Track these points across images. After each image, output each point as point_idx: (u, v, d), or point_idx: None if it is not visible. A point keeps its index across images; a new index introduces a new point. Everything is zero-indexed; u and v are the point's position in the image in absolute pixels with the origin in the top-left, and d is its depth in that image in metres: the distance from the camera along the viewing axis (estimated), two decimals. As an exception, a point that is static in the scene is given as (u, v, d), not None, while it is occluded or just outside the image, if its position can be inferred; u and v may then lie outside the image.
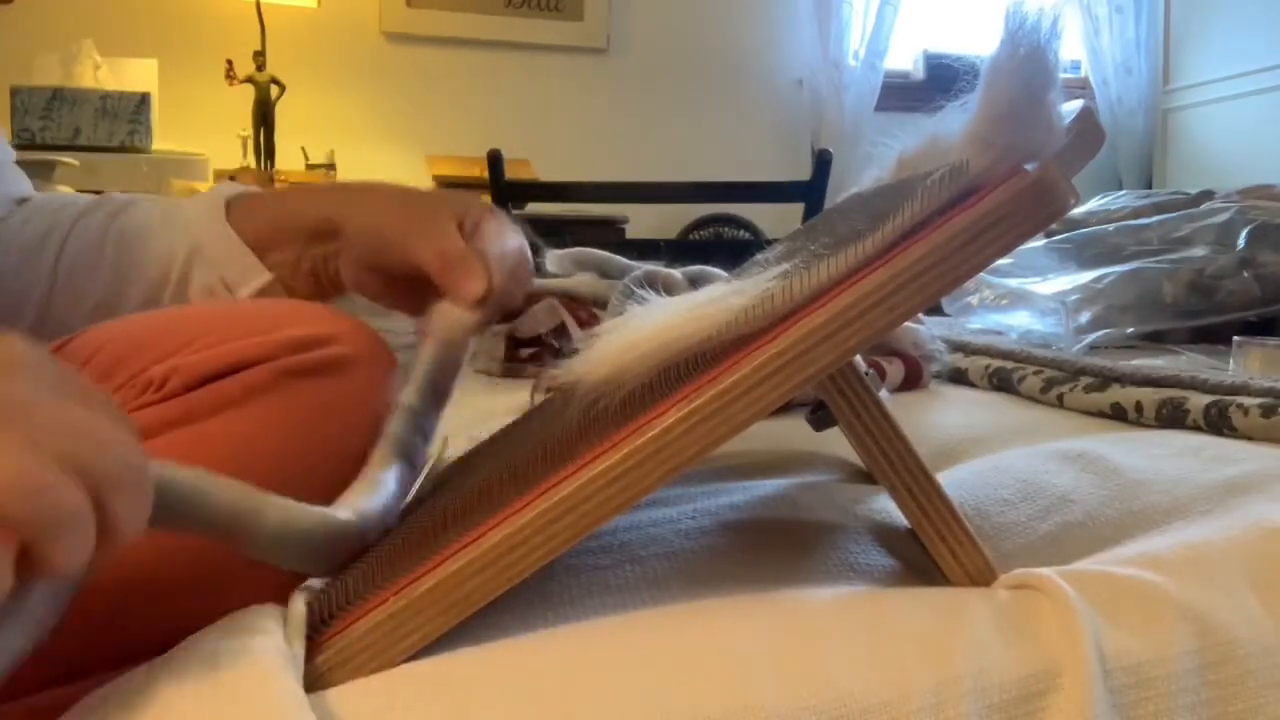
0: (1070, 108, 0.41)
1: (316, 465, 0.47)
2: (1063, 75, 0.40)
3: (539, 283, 1.14)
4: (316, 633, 0.39)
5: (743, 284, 0.43)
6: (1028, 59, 0.39)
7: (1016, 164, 0.39)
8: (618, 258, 1.17)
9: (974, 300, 1.35)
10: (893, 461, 0.45)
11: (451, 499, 0.47)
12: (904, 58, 3.45)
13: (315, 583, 0.43)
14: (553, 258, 1.17)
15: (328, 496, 0.48)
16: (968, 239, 0.38)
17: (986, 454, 0.69)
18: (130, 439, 0.32)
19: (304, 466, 0.47)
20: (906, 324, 0.96)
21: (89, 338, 0.53)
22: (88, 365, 0.51)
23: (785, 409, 0.77)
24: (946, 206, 0.39)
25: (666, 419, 0.39)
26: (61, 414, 0.31)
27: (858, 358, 0.85)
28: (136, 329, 0.52)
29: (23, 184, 0.70)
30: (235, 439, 0.46)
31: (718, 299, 0.42)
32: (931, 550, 0.45)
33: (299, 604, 0.40)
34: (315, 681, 0.38)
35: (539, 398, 0.85)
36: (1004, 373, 0.96)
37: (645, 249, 1.54)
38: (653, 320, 0.43)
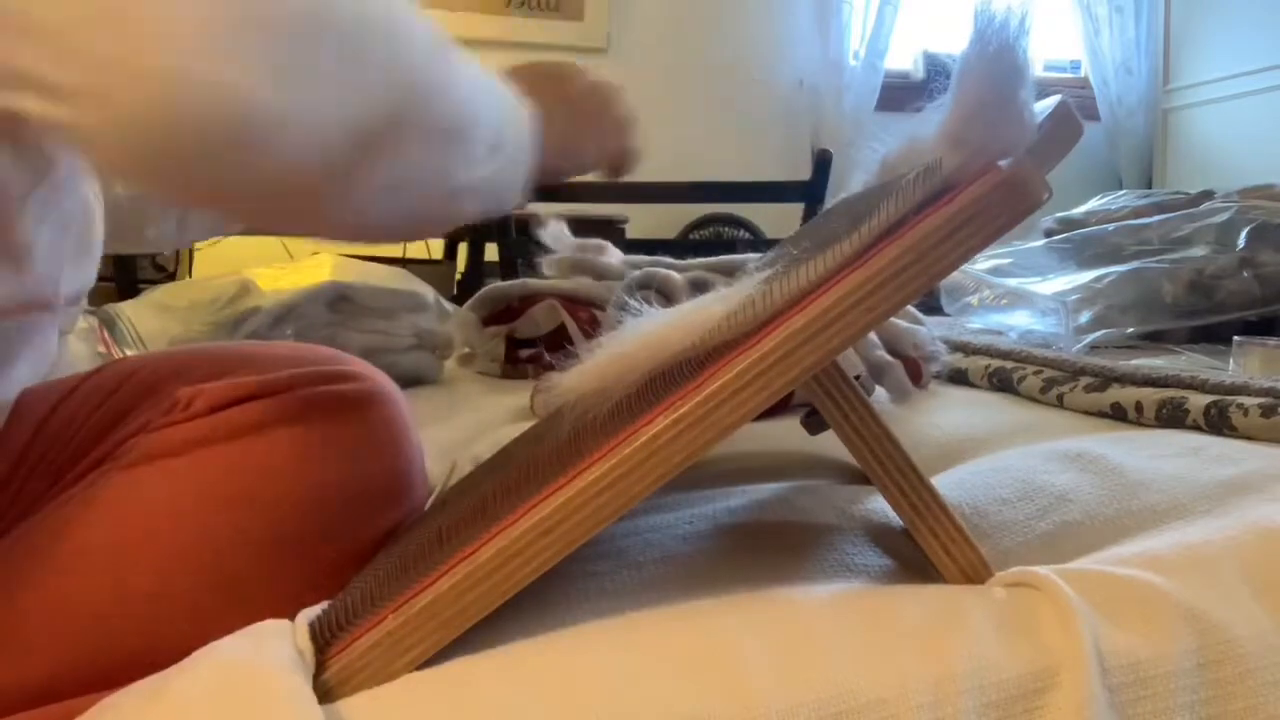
0: (1045, 105, 0.41)
1: (332, 493, 0.49)
2: (1063, 75, 0.40)
3: (538, 284, 1.14)
4: (321, 652, 0.39)
5: (728, 291, 0.43)
6: (997, 57, 0.39)
7: (989, 161, 0.39)
8: (613, 263, 1.17)
9: (974, 300, 1.35)
10: (882, 460, 0.45)
11: (447, 517, 0.48)
12: (904, 58, 3.44)
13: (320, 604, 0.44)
14: (549, 263, 1.17)
15: (340, 525, 0.49)
16: (942, 237, 0.38)
17: (986, 454, 0.69)
18: None
19: (320, 493, 0.48)
20: (907, 325, 0.96)
21: (125, 363, 0.56)
22: (122, 387, 0.53)
23: (784, 411, 0.77)
24: (921, 206, 0.39)
25: (654, 426, 0.39)
26: None
27: (860, 360, 0.84)
28: (175, 358, 0.55)
29: None
30: (255, 462, 0.47)
31: (703, 307, 0.42)
32: (925, 547, 0.45)
33: (303, 622, 0.41)
34: (319, 699, 0.38)
35: (540, 400, 0.85)
36: (1004, 373, 0.96)
37: (645, 249, 1.54)
38: (641, 331, 0.43)
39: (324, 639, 0.40)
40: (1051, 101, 0.42)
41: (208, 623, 0.41)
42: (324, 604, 0.44)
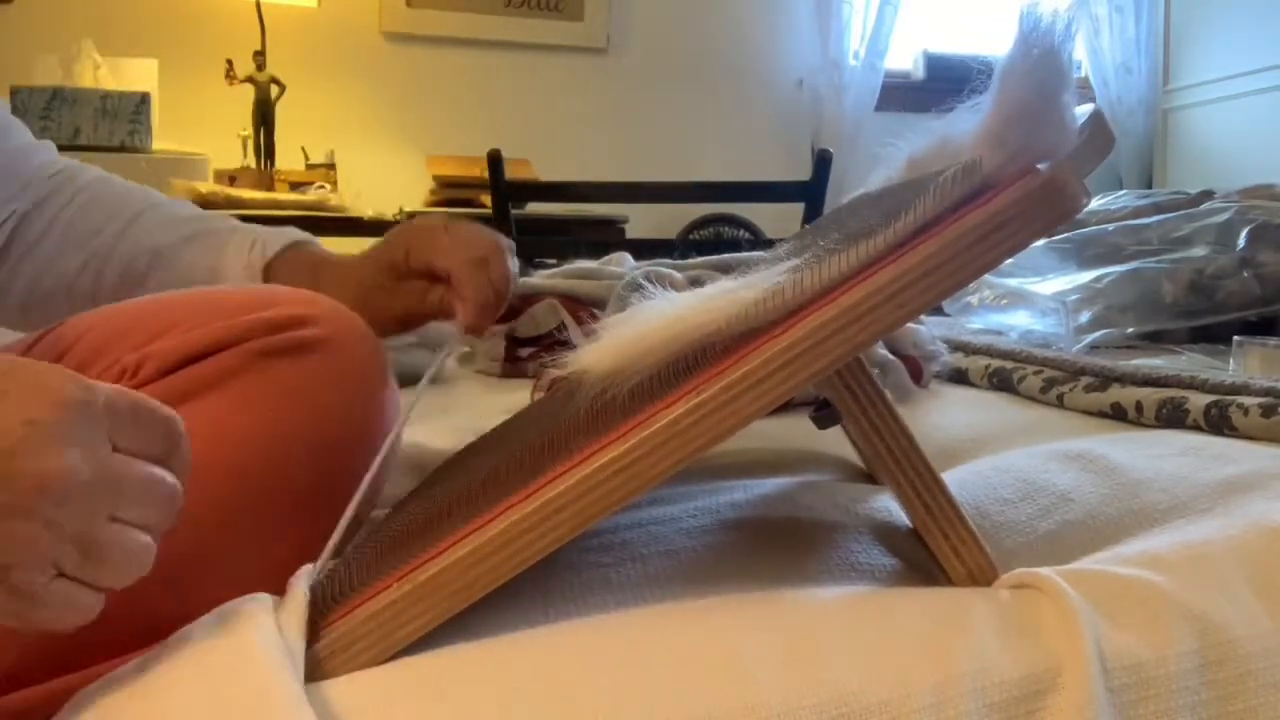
0: (1081, 110, 0.41)
1: (294, 445, 0.47)
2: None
3: (538, 284, 1.14)
4: (319, 619, 0.39)
5: (752, 278, 0.43)
6: (1041, 61, 0.39)
7: (1029, 164, 0.39)
8: (609, 268, 1.17)
9: (974, 300, 1.34)
10: (898, 459, 0.45)
11: (454, 487, 0.47)
12: (904, 58, 3.44)
13: (313, 570, 0.43)
14: (539, 277, 1.17)
15: (309, 476, 0.47)
16: (979, 237, 0.38)
17: (987, 454, 0.69)
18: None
19: (282, 446, 0.47)
20: (907, 324, 0.96)
21: (68, 328, 0.53)
22: (68, 354, 0.50)
23: (787, 407, 0.77)
24: (958, 205, 0.39)
25: (674, 410, 0.39)
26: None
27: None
28: (116, 318, 0.52)
29: (49, 154, 0.72)
30: (212, 422, 0.46)
31: (727, 292, 0.42)
32: (934, 549, 0.45)
33: (299, 591, 0.40)
34: (315, 668, 0.37)
35: (539, 397, 0.85)
36: (1004, 373, 0.96)
37: (645, 249, 1.54)
38: (662, 313, 0.43)
39: (322, 604, 0.40)
40: (1086, 108, 0.42)
41: (183, 594, 0.40)
42: (312, 566, 0.43)
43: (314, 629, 0.39)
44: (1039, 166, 0.39)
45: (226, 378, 0.46)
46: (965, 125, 0.44)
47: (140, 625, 0.40)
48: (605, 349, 0.42)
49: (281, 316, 0.49)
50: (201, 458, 0.45)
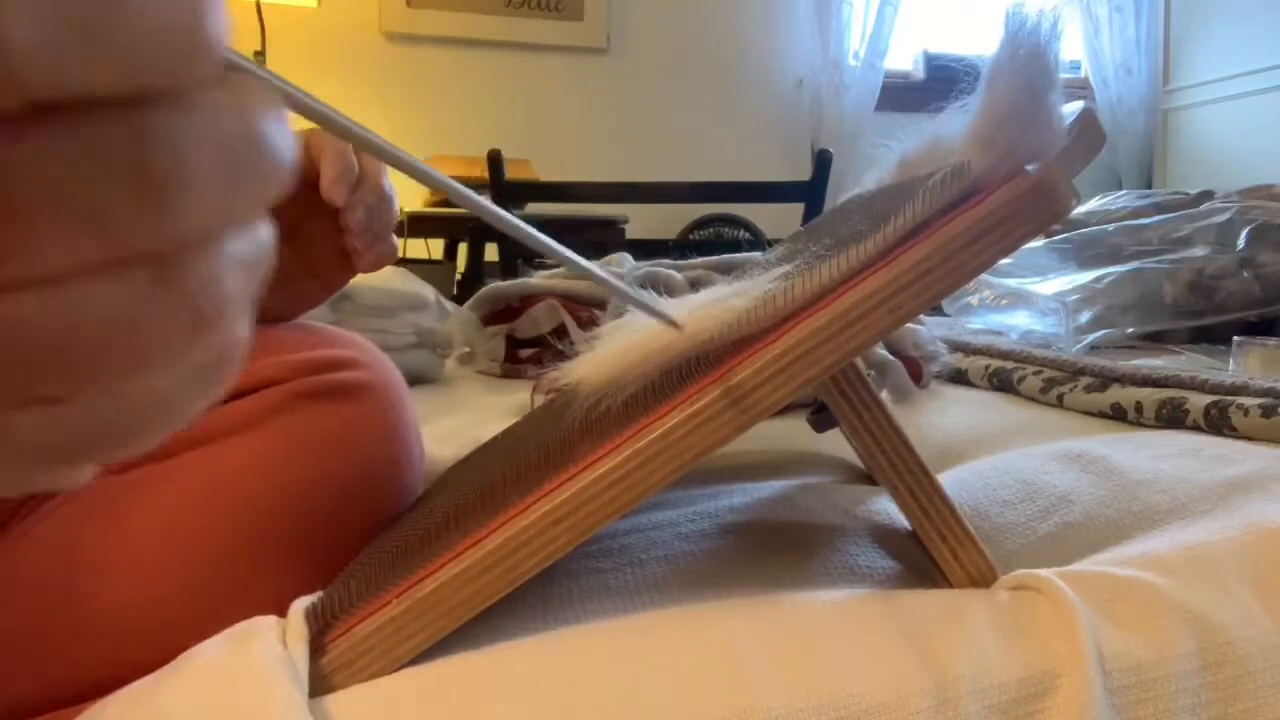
0: (1071, 109, 0.41)
1: (327, 487, 0.48)
2: (1062, 76, 0.40)
3: (538, 284, 1.14)
4: (321, 636, 0.39)
5: (744, 285, 0.43)
6: (1028, 60, 0.39)
7: (1018, 165, 0.39)
8: (609, 269, 1.17)
9: (974, 300, 1.35)
10: (894, 462, 0.45)
11: (452, 501, 0.47)
12: (904, 58, 3.44)
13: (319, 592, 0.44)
14: (539, 277, 1.17)
15: (337, 517, 0.48)
16: (970, 239, 0.38)
17: (986, 454, 0.69)
18: None
19: (315, 488, 0.48)
20: (907, 324, 0.96)
21: None
22: None
23: (785, 410, 0.77)
24: (948, 207, 0.39)
25: (669, 421, 0.39)
26: None
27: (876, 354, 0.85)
28: None
29: None
30: (251, 458, 0.46)
31: (719, 300, 0.42)
32: (932, 551, 0.45)
33: (298, 610, 0.40)
34: (318, 685, 0.38)
35: (539, 399, 0.85)
36: (1004, 373, 0.96)
37: (646, 249, 1.54)
38: (654, 323, 0.43)
39: (324, 622, 0.40)
40: (1076, 106, 0.42)
41: (203, 625, 0.40)
42: (319, 593, 0.43)
43: (316, 646, 0.39)
44: (1028, 168, 0.39)
45: (269, 416, 0.47)
46: (955, 126, 0.44)
47: (163, 656, 0.40)
48: (599, 360, 0.42)
49: (326, 358, 0.49)
50: (236, 494, 0.46)
